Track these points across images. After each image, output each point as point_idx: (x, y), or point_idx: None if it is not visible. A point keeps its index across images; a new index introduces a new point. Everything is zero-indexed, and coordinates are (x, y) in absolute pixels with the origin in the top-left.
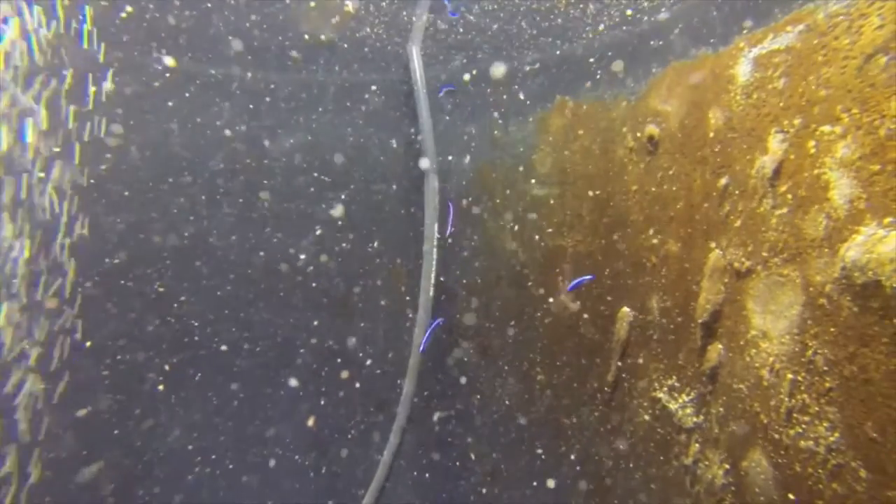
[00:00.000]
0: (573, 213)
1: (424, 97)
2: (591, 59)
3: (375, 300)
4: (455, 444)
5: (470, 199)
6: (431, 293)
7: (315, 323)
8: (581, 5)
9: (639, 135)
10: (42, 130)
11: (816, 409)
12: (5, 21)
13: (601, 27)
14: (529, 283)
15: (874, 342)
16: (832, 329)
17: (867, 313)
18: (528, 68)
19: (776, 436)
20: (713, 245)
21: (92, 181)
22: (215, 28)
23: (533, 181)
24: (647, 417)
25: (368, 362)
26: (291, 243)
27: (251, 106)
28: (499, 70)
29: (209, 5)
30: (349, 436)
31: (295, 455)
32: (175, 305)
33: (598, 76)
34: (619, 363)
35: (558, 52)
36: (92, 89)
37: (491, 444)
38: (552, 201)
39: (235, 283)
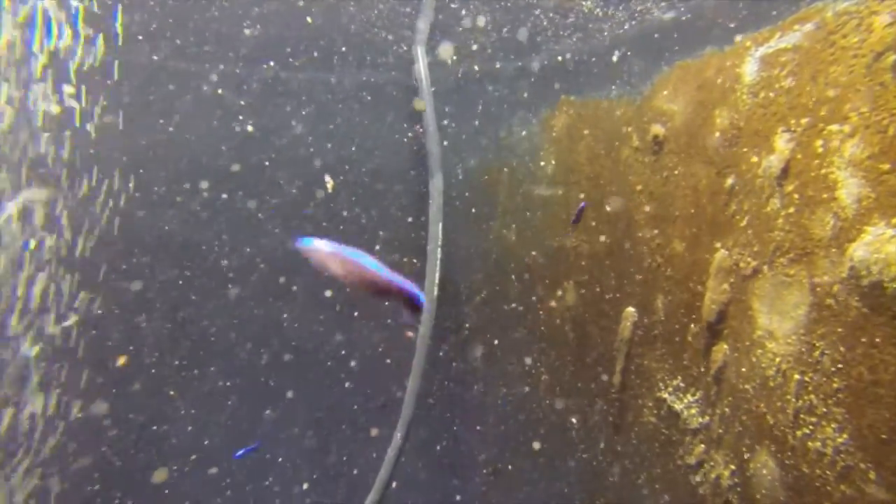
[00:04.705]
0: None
1: (430, 97)
2: (596, 59)
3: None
4: (458, 444)
5: (474, 198)
6: (436, 293)
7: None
8: (585, 4)
9: (644, 134)
10: None
11: (824, 409)
12: None
13: (606, 26)
14: (534, 283)
15: (883, 343)
16: (840, 329)
17: (876, 313)
18: (533, 67)
19: (783, 437)
20: (719, 245)
21: None
22: None
23: (537, 181)
24: (651, 418)
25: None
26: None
27: None
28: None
29: None
30: (351, 435)
31: (296, 454)
32: None
33: (603, 75)
34: (624, 363)
35: (563, 52)
36: None
37: (494, 443)
38: (557, 201)
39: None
